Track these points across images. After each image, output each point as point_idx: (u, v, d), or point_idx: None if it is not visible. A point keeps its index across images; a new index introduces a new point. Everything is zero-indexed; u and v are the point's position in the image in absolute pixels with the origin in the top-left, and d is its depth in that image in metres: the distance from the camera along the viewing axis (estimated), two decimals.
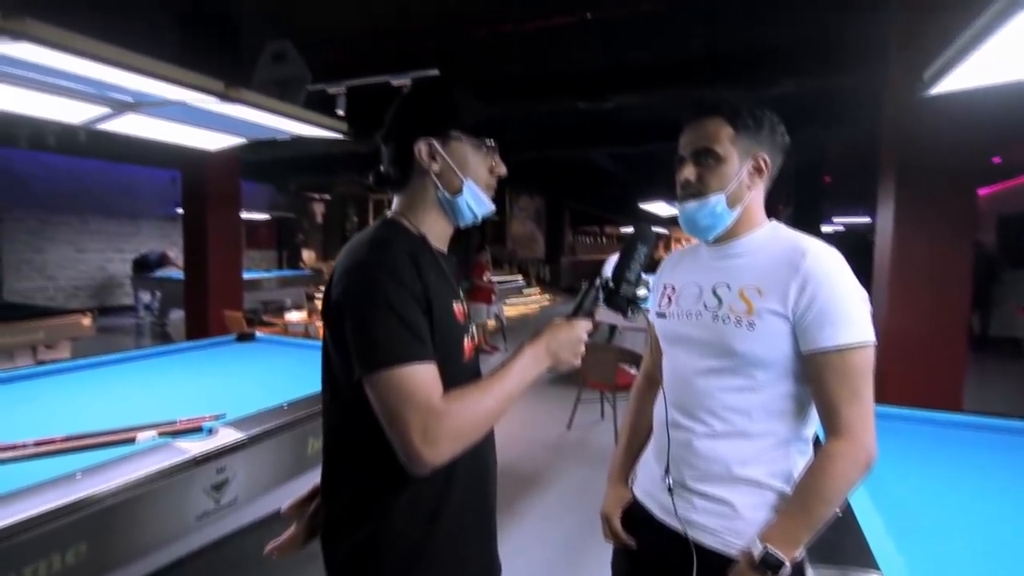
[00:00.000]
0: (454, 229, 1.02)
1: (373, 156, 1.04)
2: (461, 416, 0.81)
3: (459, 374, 0.89)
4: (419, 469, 0.80)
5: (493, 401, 0.85)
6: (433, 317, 0.86)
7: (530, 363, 0.90)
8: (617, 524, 1.18)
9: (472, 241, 9.63)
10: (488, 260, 7.69)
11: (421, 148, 0.93)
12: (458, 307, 0.95)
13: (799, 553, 0.92)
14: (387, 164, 0.99)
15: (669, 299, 1.14)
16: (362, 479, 0.89)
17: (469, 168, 0.96)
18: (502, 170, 1.00)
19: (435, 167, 0.95)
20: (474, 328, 1.02)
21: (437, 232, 0.98)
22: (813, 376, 0.96)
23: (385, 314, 0.81)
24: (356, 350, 0.82)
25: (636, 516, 1.16)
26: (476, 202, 0.98)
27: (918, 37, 2.82)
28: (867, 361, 0.94)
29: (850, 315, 0.93)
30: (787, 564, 0.90)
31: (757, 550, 0.92)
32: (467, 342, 0.96)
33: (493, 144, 0.98)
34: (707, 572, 1.00)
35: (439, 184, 0.95)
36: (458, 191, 0.96)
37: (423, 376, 0.81)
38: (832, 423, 0.94)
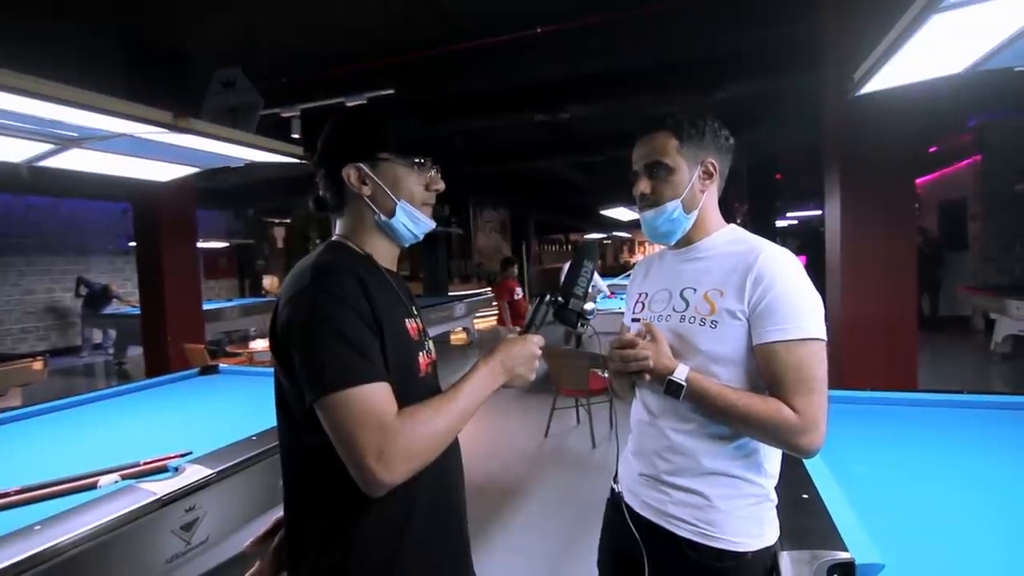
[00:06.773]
0: (400, 249, 1.02)
1: None
2: (415, 435, 0.81)
3: (415, 391, 0.88)
4: (376, 491, 0.79)
5: (447, 418, 0.85)
6: (384, 336, 0.86)
7: (485, 379, 0.91)
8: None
9: (438, 254, 9.28)
10: (515, 277, 6.87)
11: (350, 173, 0.94)
12: (411, 324, 0.95)
13: (683, 381, 1.00)
14: (323, 189, 1.00)
15: (643, 305, 1.19)
16: (324, 505, 0.88)
17: (402, 189, 0.96)
18: (439, 185, 1.00)
19: (366, 191, 0.95)
20: (430, 343, 1.02)
21: (382, 252, 0.98)
22: (764, 369, 0.99)
23: (331, 337, 0.80)
24: (305, 376, 0.82)
25: (619, 512, 1.17)
26: (412, 222, 0.98)
27: (846, 42, 2.98)
28: (817, 356, 0.97)
29: (801, 310, 0.97)
30: (685, 386, 0.99)
31: (681, 374, 1.00)
32: (422, 358, 0.95)
33: (426, 161, 0.98)
34: (688, 564, 1.02)
35: (374, 207, 0.96)
36: (392, 213, 0.96)
37: (375, 396, 0.80)
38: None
